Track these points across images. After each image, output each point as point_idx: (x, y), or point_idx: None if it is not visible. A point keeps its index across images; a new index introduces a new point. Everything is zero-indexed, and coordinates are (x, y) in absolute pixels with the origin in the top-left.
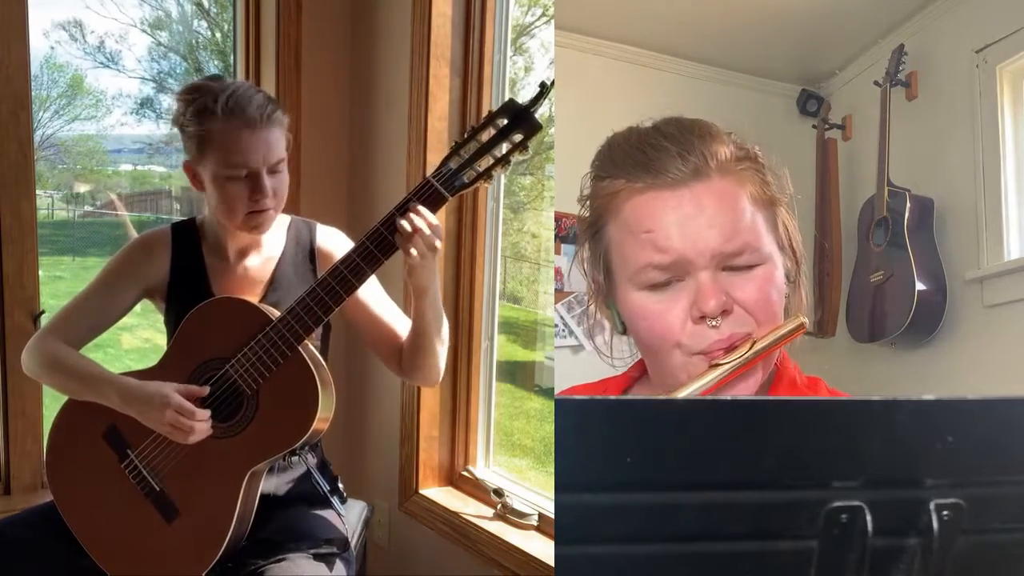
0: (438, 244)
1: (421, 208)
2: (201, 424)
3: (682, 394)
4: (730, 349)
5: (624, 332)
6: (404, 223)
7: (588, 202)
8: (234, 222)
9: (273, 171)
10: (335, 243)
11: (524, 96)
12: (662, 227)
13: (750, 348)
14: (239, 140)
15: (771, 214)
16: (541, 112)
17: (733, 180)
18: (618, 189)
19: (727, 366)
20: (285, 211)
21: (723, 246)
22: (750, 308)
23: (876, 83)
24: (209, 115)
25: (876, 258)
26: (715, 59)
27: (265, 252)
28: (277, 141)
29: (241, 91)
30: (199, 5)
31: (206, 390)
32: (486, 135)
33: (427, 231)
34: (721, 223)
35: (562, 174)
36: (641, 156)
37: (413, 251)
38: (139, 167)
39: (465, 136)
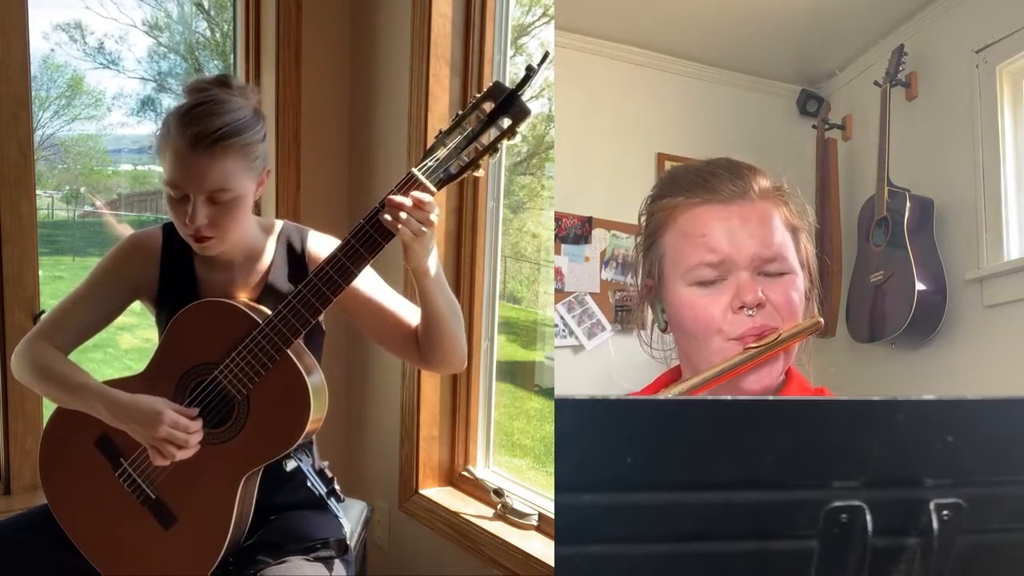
0: (433, 218)
1: (410, 190)
2: (194, 438)
3: (718, 369)
4: (760, 337)
5: (664, 329)
6: (394, 197)
7: (646, 219)
8: (184, 236)
9: (214, 200)
10: (327, 249)
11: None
12: (713, 232)
13: (777, 338)
14: (174, 160)
15: (796, 238)
16: (541, 111)
17: (770, 204)
18: (677, 204)
19: (757, 350)
20: (278, 216)
21: (761, 252)
22: (778, 306)
23: (876, 83)
24: (166, 125)
25: (876, 258)
26: (715, 59)
27: (255, 258)
28: (219, 170)
29: (205, 106)
30: (199, 5)
31: (195, 412)
32: (472, 122)
33: (412, 206)
34: (760, 235)
35: (562, 174)
36: (699, 179)
37: (403, 228)
38: (139, 167)
39: (450, 124)
